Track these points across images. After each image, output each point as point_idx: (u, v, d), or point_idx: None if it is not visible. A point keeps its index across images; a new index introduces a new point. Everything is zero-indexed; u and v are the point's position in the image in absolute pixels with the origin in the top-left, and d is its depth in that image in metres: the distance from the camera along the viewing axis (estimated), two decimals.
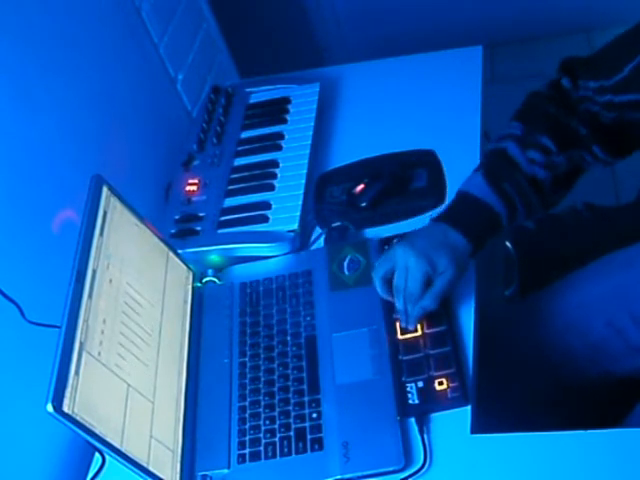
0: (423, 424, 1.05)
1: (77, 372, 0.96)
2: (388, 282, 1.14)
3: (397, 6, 2.68)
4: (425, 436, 1.04)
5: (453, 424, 1.04)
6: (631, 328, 1.19)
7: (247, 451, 1.09)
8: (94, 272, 1.07)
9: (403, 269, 1.11)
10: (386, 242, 1.26)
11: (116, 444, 0.99)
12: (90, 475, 1.15)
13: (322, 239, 1.34)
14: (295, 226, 1.34)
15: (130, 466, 1.00)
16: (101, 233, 1.10)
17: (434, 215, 1.18)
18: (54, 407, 0.91)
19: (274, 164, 1.46)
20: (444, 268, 1.10)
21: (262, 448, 1.09)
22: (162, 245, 1.25)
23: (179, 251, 1.30)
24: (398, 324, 1.14)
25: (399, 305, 1.13)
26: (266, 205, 1.39)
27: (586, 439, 0.98)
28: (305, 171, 1.43)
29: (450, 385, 1.06)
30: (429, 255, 1.10)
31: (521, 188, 1.16)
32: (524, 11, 2.65)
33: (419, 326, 1.13)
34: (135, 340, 1.10)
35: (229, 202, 1.42)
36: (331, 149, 1.51)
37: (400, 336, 1.14)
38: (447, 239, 1.12)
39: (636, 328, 1.19)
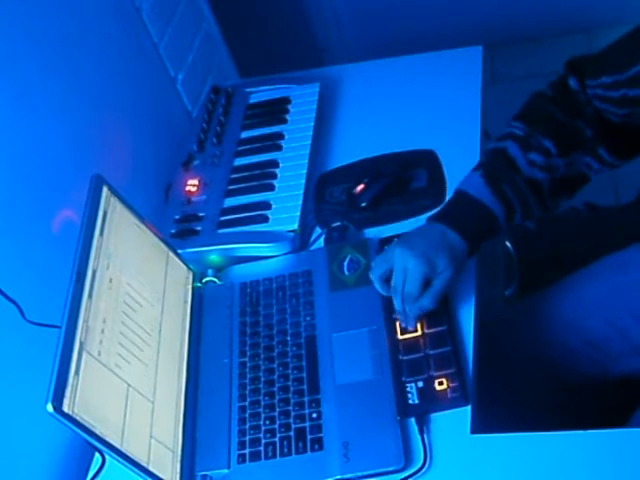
0: (423, 424, 1.05)
1: (77, 372, 0.96)
2: (386, 282, 1.14)
3: (397, 6, 2.68)
4: (425, 436, 1.04)
5: (453, 424, 1.04)
6: (633, 327, 1.20)
7: (247, 451, 1.09)
8: (94, 272, 1.07)
9: (401, 270, 1.11)
10: (386, 242, 1.26)
11: (116, 444, 0.99)
12: (90, 475, 1.16)
13: (322, 239, 1.34)
14: (295, 226, 1.34)
15: (130, 466, 1.00)
16: (101, 233, 1.10)
17: (431, 215, 1.18)
18: (54, 407, 0.91)
19: (274, 164, 1.46)
20: (443, 268, 1.10)
21: (262, 448, 1.09)
22: (162, 245, 1.25)
23: (179, 251, 1.30)
24: (398, 324, 1.14)
25: (397, 305, 1.13)
26: (266, 205, 1.39)
27: (586, 439, 0.98)
28: (305, 171, 1.43)
29: (450, 385, 1.06)
30: (428, 256, 1.10)
31: (520, 190, 1.16)
32: (524, 11, 2.65)
33: (419, 326, 1.13)
34: (135, 340, 1.10)
35: (229, 202, 1.42)
36: (331, 149, 1.51)
37: (400, 336, 1.14)
38: (445, 240, 1.12)
39: (638, 327, 1.19)
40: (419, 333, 1.13)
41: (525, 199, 1.16)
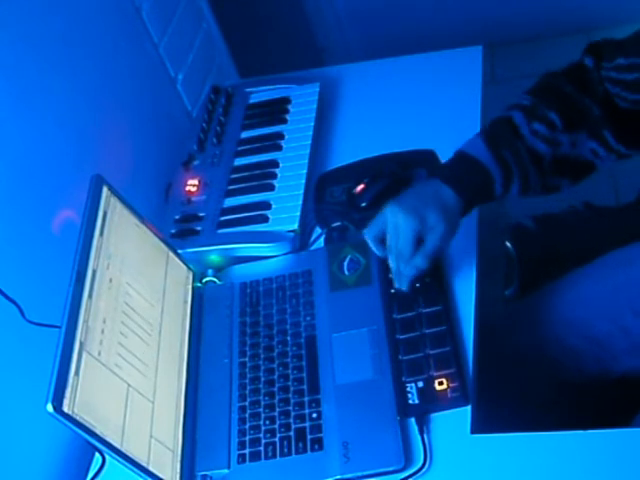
0: (423, 424, 1.05)
1: (77, 372, 0.96)
2: (381, 243, 1.14)
3: (397, 6, 2.68)
4: (425, 436, 1.04)
5: (453, 424, 1.04)
6: (634, 324, 1.19)
7: (247, 451, 1.09)
8: (94, 272, 1.07)
9: (393, 228, 1.10)
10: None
11: (116, 444, 0.99)
12: (90, 475, 1.16)
13: (322, 239, 1.34)
14: (295, 226, 1.34)
15: (130, 466, 1.00)
16: (101, 233, 1.10)
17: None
18: (54, 407, 0.91)
19: (274, 164, 1.46)
20: (434, 224, 1.08)
21: (262, 448, 1.09)
22: (162, 245, 1.25)
23: (179, 251, 1.30)
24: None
25: (392, 265, 1.12)
26: (266, 205, 1.39)
27: (586, 439, 0.98)
28: (305, 171, 1.43)
29: (450, 385, 1.06)
30: (418, 211, 1.08)
31: (520, 157, 1.14)
32: (524, 11, 2.65)
33: (420, 325, 1.13)
34: (135, 340, 1.10)
35: (229, 202, 1.42)
36: (331, 149, 1.51)
37: (400, 335, 1.13)
38: (437, 195, 1.10)
39: (639, 324, 1.19)
40: (419, 333, 1.13)
41: (525, 168, 1.15)
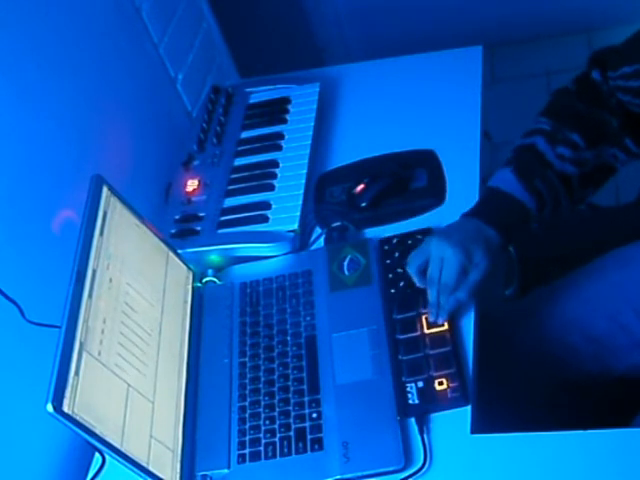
0: (423, 424, 1.05)
1: (77, 372, 0.96)
2: (423, 273, 1.14)
3: (397, 6, 2.68)
4: (425, 436, 1.04)
5: (453, 424, 1.04)
6: (635, 323, 1.20)
7: (247, 451, 1.09)
8: (94, 272, 1.07)
9: (438, 260, 1.11)
10: (386, 242, 1.26)
11: (116, 444, 0.99)
12: (90, 475, 1.16)
13: (322, 239, 1.34)
14: (295, 226, 1.34)
15: (130, 466, 1.00)
16: (101, 233, 1.10)
17: (465, 211, 1.18)
18: (54, 407, 0.91)
19: (274, 164, 1.46)
20: (479, 260, 1.10)
21: (262, 448, 1.09)
22: (162, 245, 1.25)
23: (179, 251, 1.30)
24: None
25: (432, 297, 1.12)
26: (266, 205, 1.39)
27: (586, 439, 0.98)
28: (305, 171, 1.43)
29: (450, 385, 1.06)
30: (465, 246, 1.10)
31: (551, 184, 1.16)
32: (524, 11, 2.65)
33: (420, 326, 1.13)
34: (135, 340, 1.10)
35: (229, 202, 1.42)
36: (331, 149, 1.51)
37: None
38: (481, 232, 1.12)
39: None
40: (418, 333, 1.13)
41: (556, 193, 1.17)
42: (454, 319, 1.14)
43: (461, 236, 1.11)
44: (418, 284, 1.15)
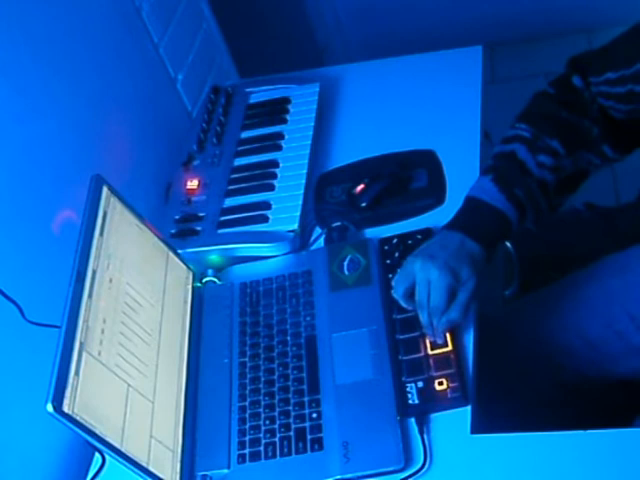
0: (423, 424, 1.05)
1: (77, 372, 0.96)
2: (410, 297, 1.12)
3: (397, 6, 2.68)
4: (425, 436, 1.04)
5: (453, 424, 1.04)
6: (631, 329, 1.19)
7: (247, 451, 1.09)
8: (94, 272, 1.07)
9: (425, 283, 1.08)
10: (386, 242, 1.26)
11: (116, 444, 0.99)
12: (90, 475, 1.16)
13: (322, 239, 1.34)
14: (295, 226, 1.34)
15: (130, 466, 1.00)
16: (101, 233, 1.10)
17: (446, 224, 1.15)
18: (54, 407, 0.91)
19: (274, 164, 1.46)
20: (467, 278, 1.07)
21: (262, 448, 1.09)
22: (162, 245, 1.25)
23: (179, 251, 1.30)
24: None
25: (424, 320, 1.10)
26: (266, 205, 1.39)
27: (586, 439, 0.98)
28: (305, 171, 1.43)
29: (450, 385, 1.06)
30: (451, 266, 1.07)
31: (531, 192, 1.14)
32: (524, 11, 2.65)
33: (419, 326, 1.12)
34: (135, 340, 1.10)
35: (229, 202, 1.42)
36: (331, 149, 1.51)
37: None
38: (464, 247, 1.09)
39: (636, 329, 1.19)
40: (418, 333, 1.12)
41: (536, 201, 1.15)
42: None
43: (445, 255, 1.08)
44: (406, 308, 1.13)
